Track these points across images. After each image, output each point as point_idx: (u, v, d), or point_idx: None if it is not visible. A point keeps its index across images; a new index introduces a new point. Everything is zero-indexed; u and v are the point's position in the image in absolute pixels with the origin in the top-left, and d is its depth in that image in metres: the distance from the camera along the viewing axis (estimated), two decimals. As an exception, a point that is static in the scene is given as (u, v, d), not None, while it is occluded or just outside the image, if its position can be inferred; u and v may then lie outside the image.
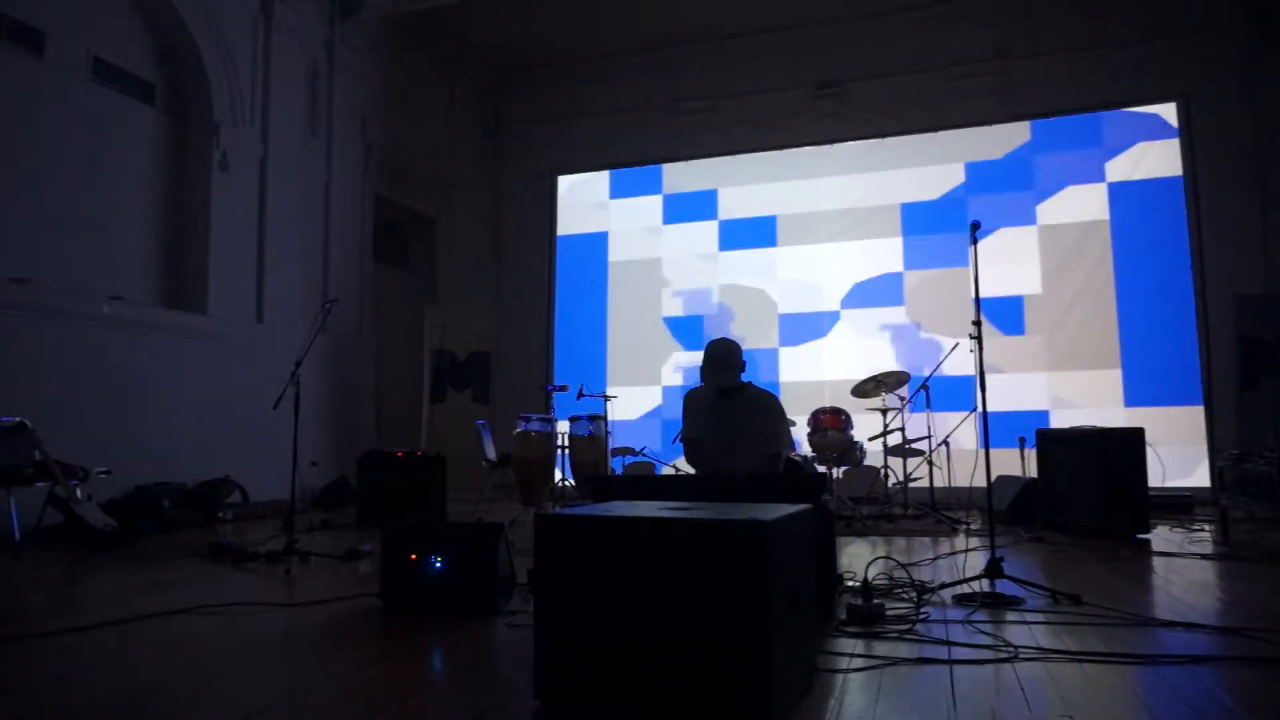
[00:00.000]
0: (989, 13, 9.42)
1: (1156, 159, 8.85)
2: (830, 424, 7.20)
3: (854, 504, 6.99)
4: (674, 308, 10.32)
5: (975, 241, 4.04)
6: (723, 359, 4.27)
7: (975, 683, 2.37)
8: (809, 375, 9.54)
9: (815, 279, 9.77)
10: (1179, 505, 7.08)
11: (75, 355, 6.16)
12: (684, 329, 10.13)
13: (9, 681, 2.50)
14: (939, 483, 7.14)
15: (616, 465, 8.18)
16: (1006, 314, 8.84)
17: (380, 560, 3.47)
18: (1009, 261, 8.95)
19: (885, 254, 9.54)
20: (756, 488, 3.25)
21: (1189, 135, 8.75)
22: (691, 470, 4.54)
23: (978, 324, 3.99)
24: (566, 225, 11.00)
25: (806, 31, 10.00)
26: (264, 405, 5.26)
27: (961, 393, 8.16)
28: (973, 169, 9.38)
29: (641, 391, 10.07)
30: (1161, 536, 5.61)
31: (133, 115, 7.09)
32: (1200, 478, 8.17)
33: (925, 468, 7.13)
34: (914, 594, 3.43)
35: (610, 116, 10.81)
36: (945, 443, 7.14)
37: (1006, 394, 8.38)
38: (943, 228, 9.29)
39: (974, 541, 5.43)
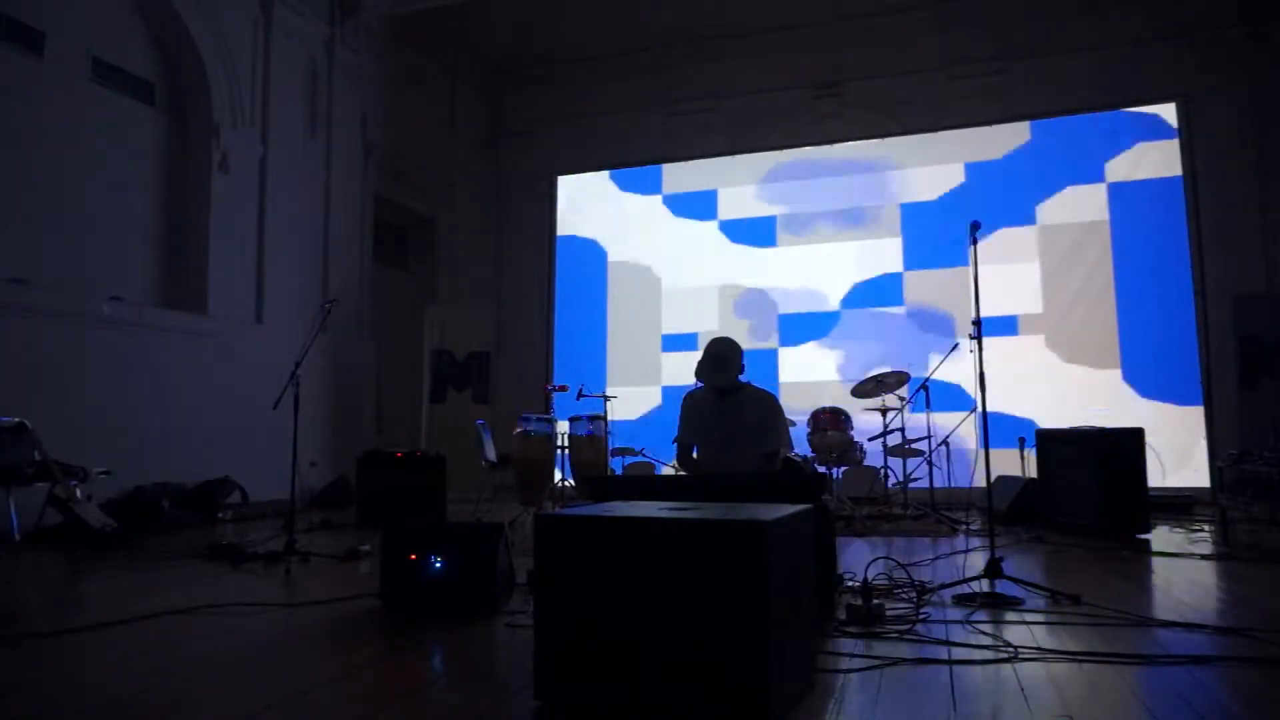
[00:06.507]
0: (989, 13, 9.42)
1: (1156, 159, 8.84)
2: (830, 424, 7.20)
3: (854, 504, 6.99)
4: (673, 308, 10.31)
5: (975, 241, 4.04)
6: (719, 358, 4.26)
7: (975, 683, 2.37)
8: (809, 375, 9.54)
9: (815, 279, 9.77)
10: (1179, 505, 7.08)
11: (75, 355, 6.16)
12: (683, 329, 10.12)
13: (9, 681, 2.50)
14: (939, 483, 7.14)
15: (616, 465, 8.18)
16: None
17: (380, 560, 3.47)
18: (1009, 261, 8.94)
19: (885, 254, 9.54)
20: (756, 488, 3.25)
21: (1189, 135, 8.76)
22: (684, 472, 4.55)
23: (978, 324, 3.99)
24: (566, 226, 11.00)
25: (806, 31, 9.99)
26: (264, 405, 5.26)
27: (961, 393, 8.18)
28: (973, 169, 9.38)
29: (641, 392, 10.07)
30: (1161, 536, 5.61)
31: (133, 115, 7.09)
32: (1200, 478, 8.16)
33: (925, 468, 7.13)
34: (914, 594, 3.43)
35: (610, 116, 10.80)
36: (945, 443, 7.14)
37: (1006, 394, 8.38)
38: (943, 228, 9.29)
39: (974, 541, 5.43)
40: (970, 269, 4.06)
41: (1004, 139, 9.32)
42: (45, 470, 5.06)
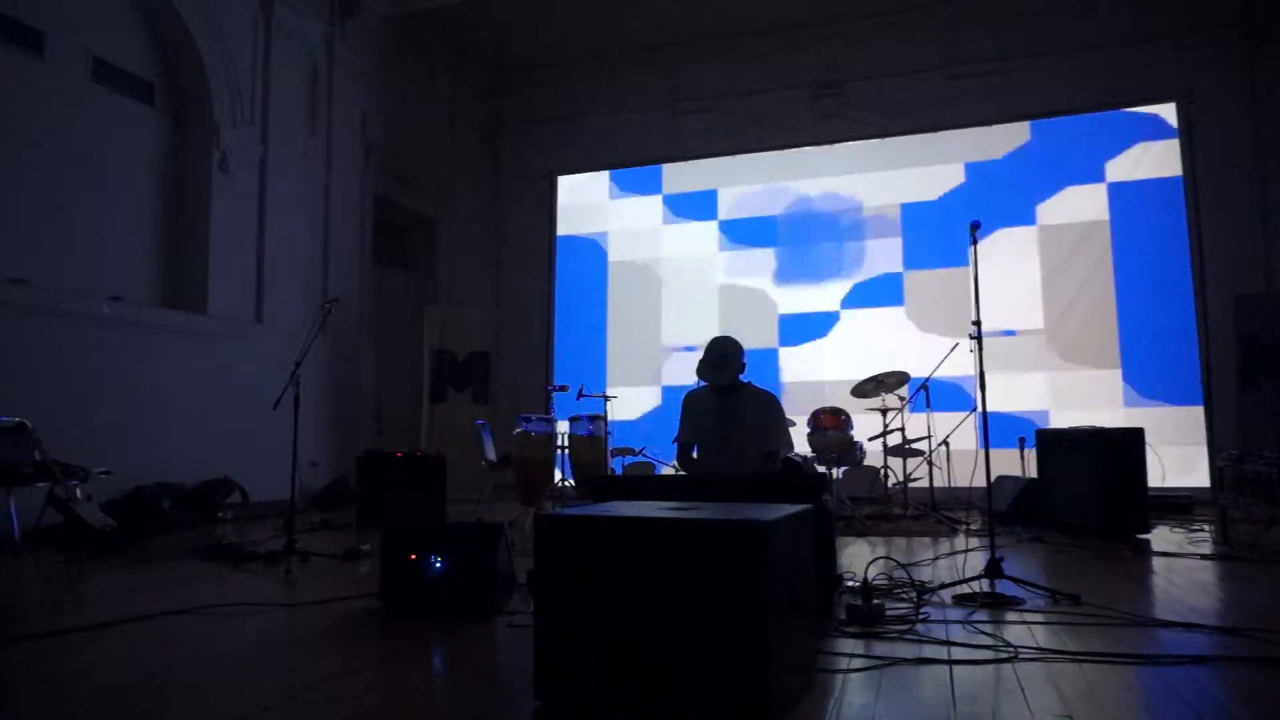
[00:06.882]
0: (989, 13, 9.41)
1: (1156, 159, 8.84)
2: (830, 424, 7.19)
3: (854, 504, 6.99)
4: (674, 308, 10.31)
5: (975, 241, 4.04)
6: (720, 357, 4.26)
7: (975, 683, 2.37)
8: (809, 375, 9.54)
9: (815, 279, 9.77)
10: (1179, 505, 7.07)
11: (75, 355, 6.16)
12: (684, 329, 10.12)
13: (9, 681, 2.50)
14: (939, 483, 7.14)
15: (616, 465, 8.18)
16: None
17: (380, 560, 3.47)
18: (1009, 261, 8.94)
19: (885, 254, 9.54)
20: (756, 488, 3.25)
21: (1189, 135, 8.75)
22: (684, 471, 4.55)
23: (978, 324, 3.99)
24: (566, 225, 11.00)
25: (806, 31, 9.99)
26: (264, 405, 5.26)
27: (961, 393, 8.18)
28: (973, 169, 9.38)
29: (641, 392, 10.07)
30: (1161, 536, 5.61)
31: (132, 115, 7.09)
32: (1200, 478, 8.17)
33: (925, 468, 7.13)
34: (914, 594, 3.43)
35: (610, 116, 10.80)
36: (945, 443, 7.14)
37: (1006, 394, 8.38)
38: (943, 228, 9.29)
39: (974, 541, 5.44)
40: (970, 269, 4.05)
41: (1004, 139, 9.32)
42: (45, 470, 5.06)
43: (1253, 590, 3.82)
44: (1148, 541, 5.31)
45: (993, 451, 3.97)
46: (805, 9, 9.69)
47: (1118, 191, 8.90)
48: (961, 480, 6.82)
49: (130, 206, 7.05)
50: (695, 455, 4.47)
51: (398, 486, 6.63)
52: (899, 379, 7.21)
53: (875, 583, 3.38)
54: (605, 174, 10.88)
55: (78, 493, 5.19)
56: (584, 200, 10.97)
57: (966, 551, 5.01)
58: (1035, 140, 9.22)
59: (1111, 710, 2.20)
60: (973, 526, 6.19)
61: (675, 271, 10.38)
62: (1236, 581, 4.03)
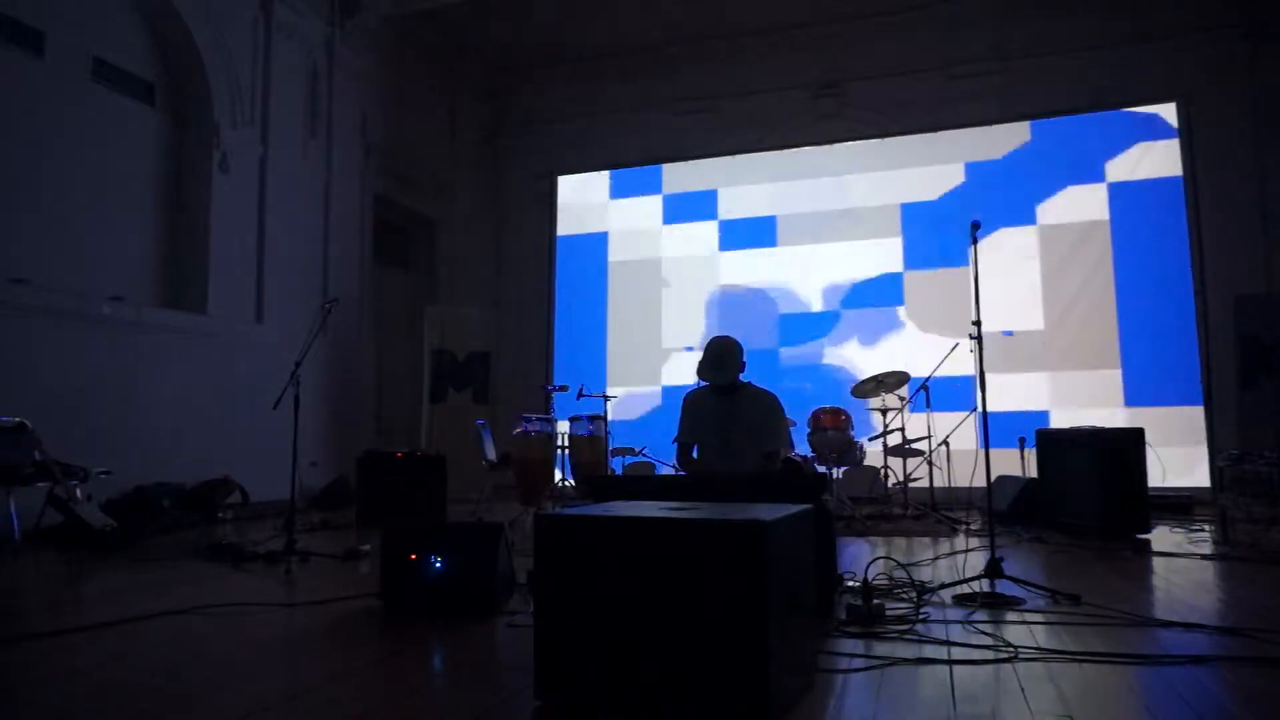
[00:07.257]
0: (989, 13, 9.41)
1: (1156, 159, 8.84)
2: (830, 424, 7.20)
3: (854, 504, 6.99)
4: (674, 308, 10.31)
5: (975, 241, 4.04)
6: (720, 357, 4.27)
7: (975, 683, 2.37)
8: (809, 375, 9.54)
9: (815, 279, 9.77)
10: (1179, 505, 7.07)
11: (75, 355, 6.16)
12: (683, 329, 10.12)
13: (9, 681, 2.51)
14: (939, 483, 7.14)
15: (616, 465, 8.18)
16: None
17: (380, 560, 3.47)
18: (1009, 261, 8.94)
19: (885, 254, 9.54)
20: (756, 488, 3.25)
21: (1189, 135, 8.75)
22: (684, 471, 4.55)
23: (978, 324, 3.99)
24: (566, 225, 11.00)
25: (806, 31, 9.99)
26: (264, 405, 5.26)
27: (961, 393, 8.17)
28: (973, 169, 9.38)
29: (641, 391, 10.07)
30: (1161, 536, 5.61)
31: (133, 115, 7.09)
32: (1200, 478, 8.16)
33: (925, 468, 7.13)
34: (914, 594, 3.43)
35: (610, 116, 10.80)
36: (945, 443, 7.14)
37: (1006, 394, 8.38)
38: (943, 228, 9.29)
39: (974, 541, 5.44)
40: (970, 269, 4.05)
41: (1004, 139, 9.31)
42: (45, 470, 5.06)
43: (1253, 590, 3.82)
44: (1148, 541, 5.31)
45: (993, 451, 3.97)
46: (805, 9, 9.69)
47: (1118, 191, 8.90)
48: (961, 480, 6.82)
49: (130, 206, 7.05)
50: (695, 455, 4.47)
51: (398, 486, 6.63)
52: (899, 379, 7.21)
53: (875, 583, 3.38)
54: (605, 174, 10.86)
55: (78, 493, 5.19)
56: (584, 200, 10.95)
57: (966, 551, 5.01)
58: (1035, 140, 9.21)
59: (1111, 710, 2.20)
60: (973, 526, 6.19)
61: (675, 271, 10.38)
62: (1236, 581, 4.03)
